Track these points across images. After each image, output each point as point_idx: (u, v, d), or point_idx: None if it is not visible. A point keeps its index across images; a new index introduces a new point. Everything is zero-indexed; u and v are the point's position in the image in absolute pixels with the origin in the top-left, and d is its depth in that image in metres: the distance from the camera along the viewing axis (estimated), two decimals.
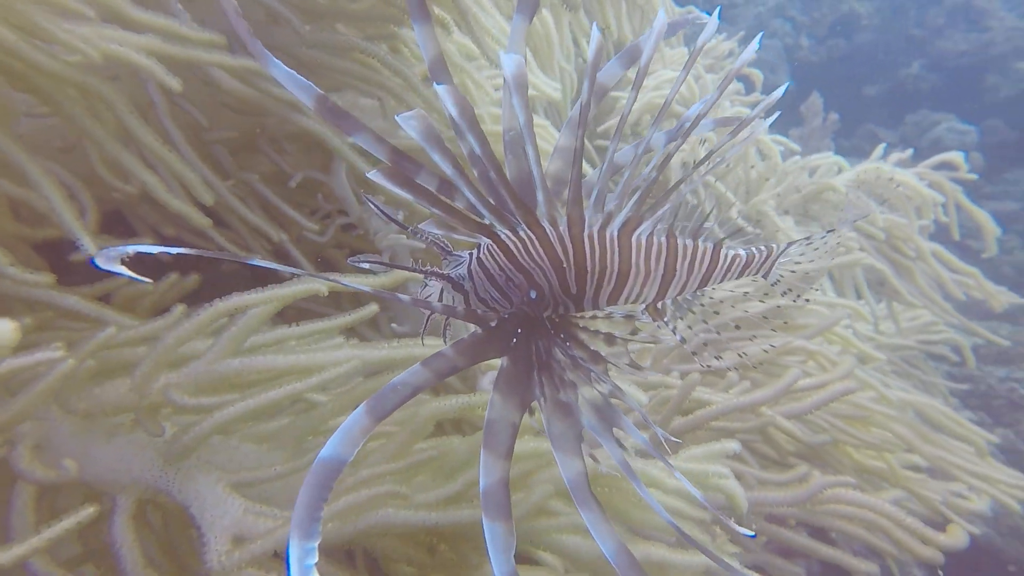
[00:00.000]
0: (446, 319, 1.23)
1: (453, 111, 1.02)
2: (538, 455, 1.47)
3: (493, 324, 1.17)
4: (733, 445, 1.37)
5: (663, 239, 1.25)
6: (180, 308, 1.67)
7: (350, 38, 2.07)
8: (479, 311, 1.22)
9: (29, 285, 1.46)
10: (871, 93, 12.95)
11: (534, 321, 1.20)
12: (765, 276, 1.40)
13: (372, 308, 1.77)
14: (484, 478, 0.95)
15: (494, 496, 0.94)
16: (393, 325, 2.38)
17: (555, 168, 1.33)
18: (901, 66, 13.01)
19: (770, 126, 1.31)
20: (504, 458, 0.98)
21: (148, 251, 0.86)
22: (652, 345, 1.37)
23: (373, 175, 1.04)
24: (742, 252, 1.34)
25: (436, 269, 1.21)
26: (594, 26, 1.05)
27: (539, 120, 3.00)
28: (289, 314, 2.51)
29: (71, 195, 1.68)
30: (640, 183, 1.20)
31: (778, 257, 1.38)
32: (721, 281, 1.34)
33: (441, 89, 1.05)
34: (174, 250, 0.88)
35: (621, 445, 1.08)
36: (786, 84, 1.31)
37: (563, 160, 1.34)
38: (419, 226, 1.22)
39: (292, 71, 0.96)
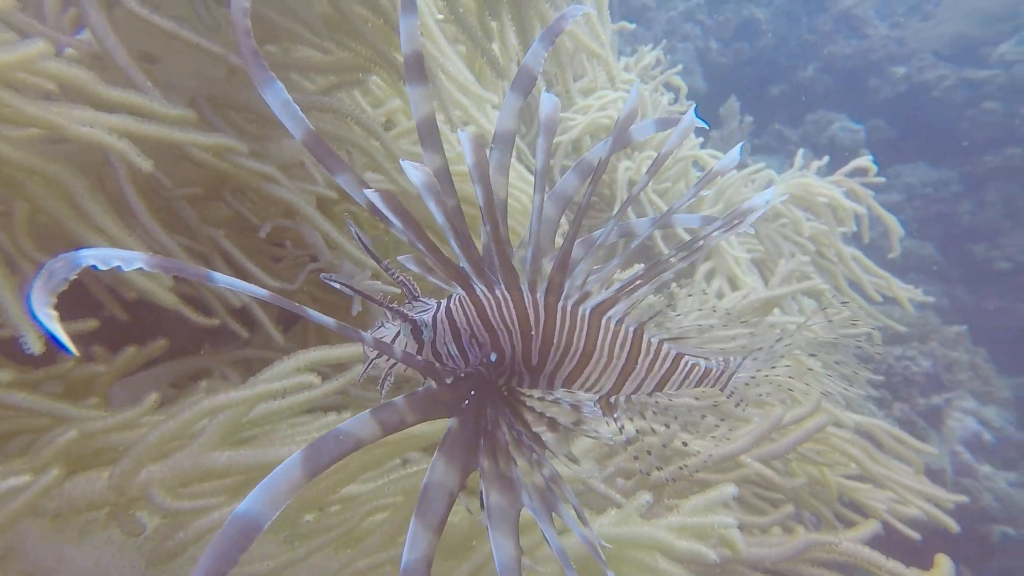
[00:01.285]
0: (388, 368, 1.14)
1: (470, 160, 0.99)
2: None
3: (448, 381, 1.09)
4: (731, 489, 1.39)
5: (631, 329, 1.20)
6: (154, 396, 1.54)
7: (319, 98, 1.94)
8: (436, 365, 1.14)
9: None
10: (775, 93, 13.63)
11: (488, 386, 1.14)
12: (722, 389, 1.34)
13: (358, 370, 1.69)
14: (409, 552, 0.84)
15: (416, 573, 0.83)
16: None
17: (547, 214, 1.22)
18: (799, 69, 13.76)
19: (695, 131, 1.27)
20: (434, 531, 0.88)
21: (97, 265, 0.70)
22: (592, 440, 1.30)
23: (370, 193, 0.98)
24: (702, 363, 1.29)
25: (400, 308, 1.13)
26: (634, 88, 1.05)
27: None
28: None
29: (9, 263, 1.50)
30: (621, 274, 1.16)
31: (735, 372, 1.32)
32: (677, 388, 1.28)
33: (464, 136, 1.04)
34: (134, 261, 0.72)
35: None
36: (693, 109, 1.21)
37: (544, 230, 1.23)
38: (397, 258, 1.16)
39: (290, 99, 0.90)
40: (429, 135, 1.03)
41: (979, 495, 6.42)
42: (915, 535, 2.13)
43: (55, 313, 0.68)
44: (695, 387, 1.29)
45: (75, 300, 1.68)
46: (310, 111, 1.97)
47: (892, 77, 13.35)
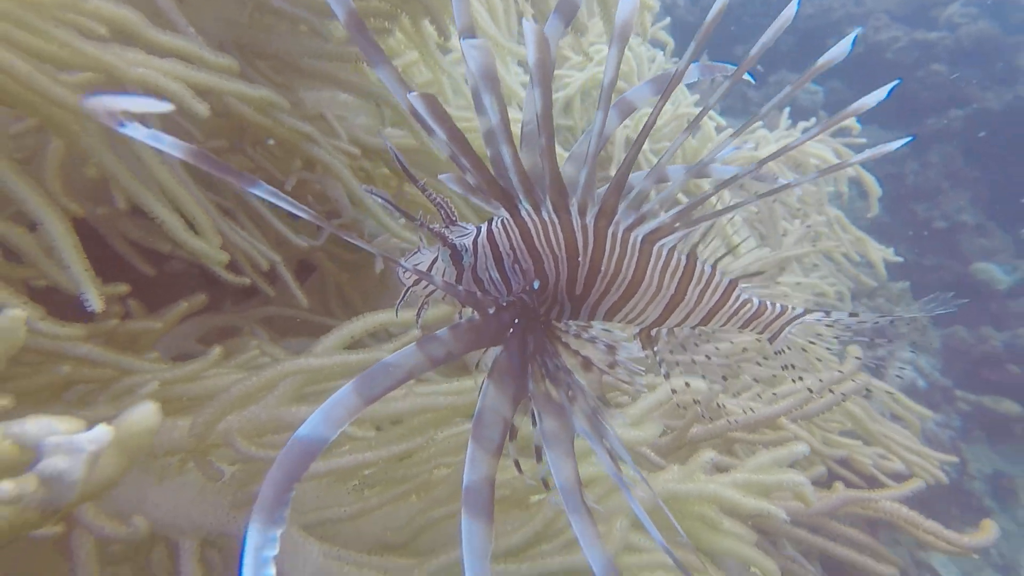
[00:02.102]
0: (426, 295, 1.09)
1: (532, 58, 0.87)
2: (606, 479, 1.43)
3: (491, 311, 1.04)
4: (803, 448, 1.42)
5: (683, 257, 1.12)
6: (217, 351, 1.51)
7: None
8: (477, 295, 1.07)
9: (61, 339, 1.22)
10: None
11: (531, 315, 1.07)
12: (771, 339, 1.24)
13: (415, 333, 1.67)
14: (469, 473, 0.83)
15: (478, 493, 0.82)
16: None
17: (568, 171, 1.15)
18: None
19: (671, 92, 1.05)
20: (493, 454, 0.87)
21: (160, 145, 0.68)
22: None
23: (413, 97, 0.88)
24: (755, 300, 1.20)
25: (440, 229, 1.05)
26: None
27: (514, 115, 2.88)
28: (288, 326, 2.32)
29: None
30: (682, 196, 1.09)
31: (792, 320, 1.22)
32: (724, 324, 1.19)
33: (528, 28, 0.88)
34: (178, 148, 0.69)
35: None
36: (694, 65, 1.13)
37: (576, 165, 1.16)
38: (438, 176, 1.07)
39: None
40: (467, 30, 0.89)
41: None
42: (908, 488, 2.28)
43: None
44: (742, 327, 1.20)
45: (102, 257, 1.59)
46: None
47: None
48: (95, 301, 1.19)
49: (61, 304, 1.50)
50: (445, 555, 1.23)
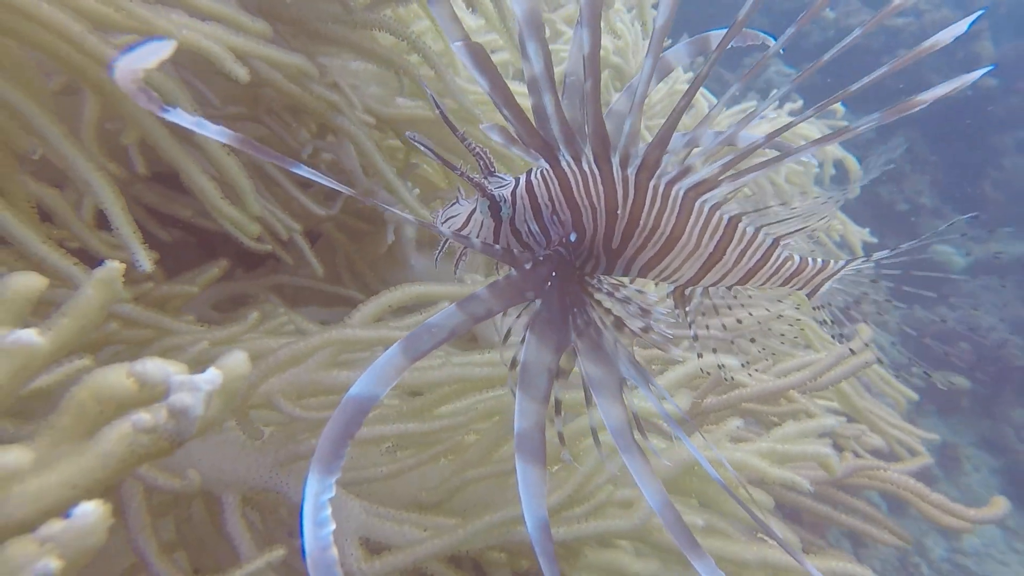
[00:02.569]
0: (462, 249, 1.10)
1: (586, 10, 0.86)
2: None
3: (528, 266, 1.04)
4: (832, 421, 1.48)
5: (727, 216, 1.10)
6: (255, 315, 1.52)
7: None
8: (513, 247, 1.08)
9: None
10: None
11: (568, 268, 1.07)
12: (810, 295, 1.23)
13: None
14: (520, 421, 0.86)
15: (530, 439, 0.85)
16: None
17: (608, 127, 1.09)
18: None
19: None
20: (541, 402, 0.89)
21: (203, 131, 0.68)
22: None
23: (457, 47, 0.88)
24: (796, 256, 1.19)
25: (480, 180, 1.05)
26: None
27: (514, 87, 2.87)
28: (298, 294, 2.31)
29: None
30: (732, 150, 1.05)
31: (834, 274, 1.21)
32: (764, 284, 1.18)
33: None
34: (224, 134, 0.70)
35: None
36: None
37: (614, 124, 1.11)
38: (481, 126, 1.05)
39: None
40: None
41: (881, 317, 7.23)
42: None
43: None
44: (782, 285, 1.19)
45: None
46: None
47: (823, 21, 13.66)
48: (145, 261, 1.19)
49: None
50: (488, 515, 1.27)
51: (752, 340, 1.37)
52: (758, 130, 4.05)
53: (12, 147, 1.26)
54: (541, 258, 1.06)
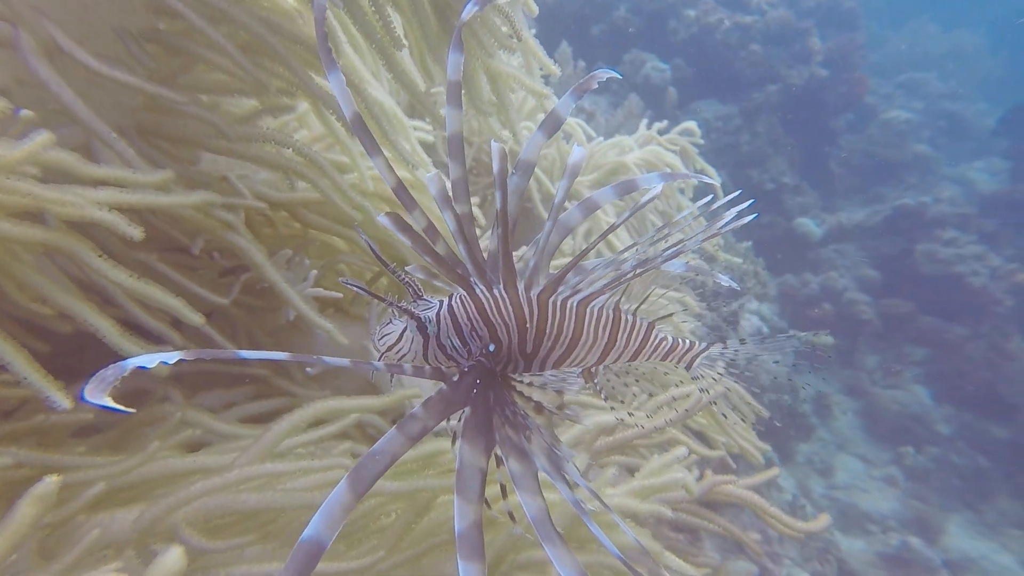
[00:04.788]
0: (394, 367, 1.16)
1: (496, 167, 1.09)
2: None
3: (455, 379, 1.17)
4: (683, 451, 1.71)
5: (611, 311, 1.32)
6: (155, 444, 1.49)
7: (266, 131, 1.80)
8: (436, 361, 1.22)
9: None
10: (595, 33, 14.11)
11: (489, 373, 1.22)
12: (687, 368, 1.45)
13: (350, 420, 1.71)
14: (459, 522, 0.91)
15: (469, 538, 0.90)
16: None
17: (527, 255, 1.31)
18: (613, 8, 14.31)
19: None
20: (476, 503, 0.95)
21: (145, 365, 0.77)
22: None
23: (382, 219, 1.08)
24: (669, 338, 1.42)
25: (407, 306, 1.21)
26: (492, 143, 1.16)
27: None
28: (199, 379, 2.25)
29: None
30: (611, 275, 1.26)
31: (700, 354, 1.44)
32: (648, 358, 1.40)
33: (495, 147, 1.13)
34: (173, 357, 0.79)
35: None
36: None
37: (533, 252, 1.30)
38: (405, 268, 1.23)
39: (346, 89, 0.99)
40: (455, 149, 1.12)
41: (757, 375, 8.03)
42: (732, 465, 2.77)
43: (110, 400, 0.74)
44: (663, 359, 1.42)
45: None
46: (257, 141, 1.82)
47: (686, 19, 14.46)
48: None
49: None
50: None
51: (650, 395, 1.58)
52: (630, 156, 4.30)
53: None
54: (466, 369, 1.21)
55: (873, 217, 13.02)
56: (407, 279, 1.20)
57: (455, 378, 1.18)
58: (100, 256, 1.43)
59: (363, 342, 2.46)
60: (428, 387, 2.38)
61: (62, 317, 1.71)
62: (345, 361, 1.01)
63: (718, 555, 3.82)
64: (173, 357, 0.77)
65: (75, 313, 1.38)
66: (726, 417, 1.56)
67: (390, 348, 1.21)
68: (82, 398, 0.72)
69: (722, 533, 2.12)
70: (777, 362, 1.50)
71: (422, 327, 1.20)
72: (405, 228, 1.10)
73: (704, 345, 1.49)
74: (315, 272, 2.20)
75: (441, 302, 1.23)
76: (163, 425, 1.86)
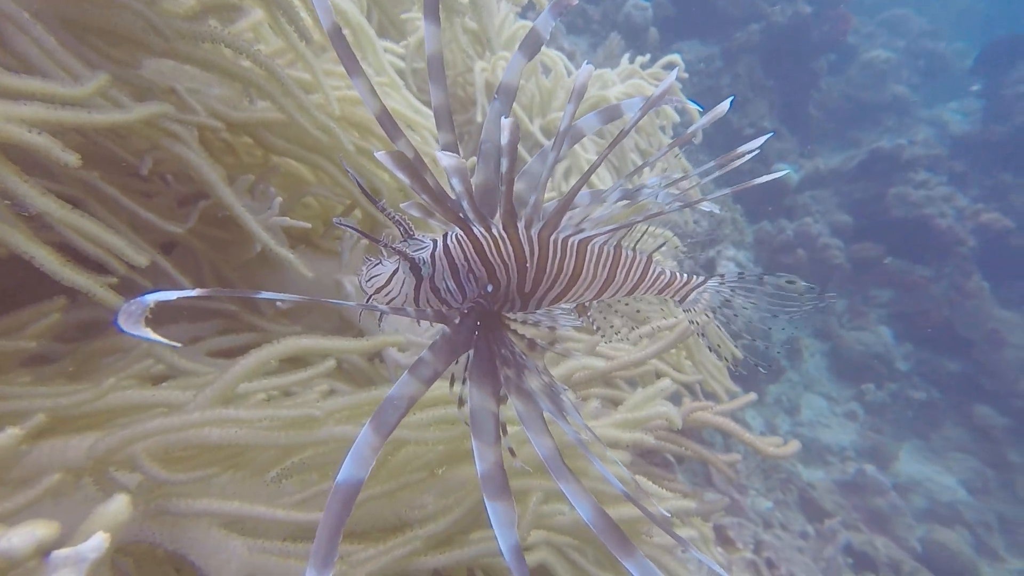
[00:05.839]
0: (378, 292, 1.16)
1: (504, 140, 1.01)
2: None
3: (457, 321, 1.16)
4: (667, 382, 1.69)
5: (611, 248, 1.29)
6: (111, 381, 1.39)
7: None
8: (427, 304, 1.19)
9: None
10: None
11: (488, 314, 1.20)
12: (680, 301, 1.44)
13: (331, 364, 1.63)
14: (481, 464, 0.93)
15: (492, 479, 0.92)
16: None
17: (519, 188, 1.29)
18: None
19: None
20: (494, 444, 0.96)
21: (167, 298, 0.79)
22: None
23: (380, 156, 0.98)
24: (667, 272, 1.39)
25: (400, 247, 1.15)
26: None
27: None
28: (161, 312, 2.13)
29: None
30: (615, 217, 1.23)
31: (695, 288, 1.43)
32: (645, 293, 1.38)
33: (504, 120, 1.05)
34: (193, 292, 0.83)
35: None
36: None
37: (527, 183, 1.31)
38: (401, 205, 1.16)
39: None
40: (436, 71, 1.08)
41: (733, 319, 8.17)
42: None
43: (149, 331, 0.78)
44: (659, 293, 1.40)
45: None
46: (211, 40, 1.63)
47: None
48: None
49: None
50: (374, 546, 1.31)
51: (635, 326, 1.53)
52: (612, 91, 4.13)
53: None
54: (465, 311, 1.19)
55: (849, 162, 13.02)
56: (397, 216, 1.14)
57: (456, 320, 1.16)
58: (26, 181, 1.28)
59: (335, 276, 2.35)
60: (404, 325, 2.29)
61: None
62: (351, 304, 1.04)
63: (688, 486, 3.92)
64: (193, 293, 0.80)
65: (7, 241, 1.24)
66: (712, 350, 1.51)
67: (378, 290, 1.16)
68: (116, 325, 0.75)
69: (696, 457, 2.14)
70: (772, 303, 1.45)
71: (416, 268, 1.14)
72: (404, 165, 1.01)
73: (701, 279, 1.45)
74: (280, 199, 2.06)
75: (434, 241, 1.17)
76: (124, 356, 1.75)
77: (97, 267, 1.58)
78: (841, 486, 8.06)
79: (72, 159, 1.20)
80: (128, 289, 2.10)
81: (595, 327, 1.45)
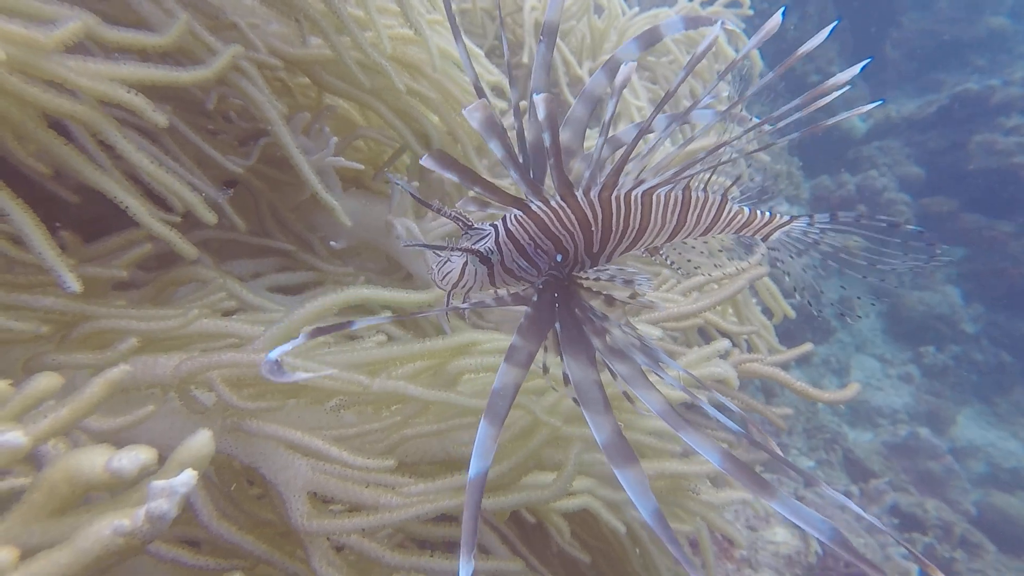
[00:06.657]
0: (455, 287, 1.22)
1: (543, 112, 1.02)
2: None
3: (535, 299, 1.17)
4: (726, 343, 1.67)
5: (679, 193, 1.28)
6: (195, 312, 1.49)
7: None
8: (505, 285, 1.22)
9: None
10: None
11: (562, 283, 1.22)
12: (764, 239, 1.39)
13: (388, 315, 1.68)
14: (599, 435, 0.95)
15: (616, 447, 0.93)
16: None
17: (565, 138, 1.27)
18: None
19: None
20: (605, 412, 0.98)
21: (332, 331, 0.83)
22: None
23: (425, 161, 1.02)
24: (746, 210, 1.34)
25: (467, 246, 1.19)
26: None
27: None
28: (224, 247, 2.23)
29: None
30: (676, 162, 1.22)
31: (781, 227, 1.37)
32: (722, 232, 1.35)
33: (537, 96, 1.05)
34: (366, 322, 0.90)
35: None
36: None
37: (573, 130, 1.29)
38: (456, 204, 1.23)
39: None
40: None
41: (782, 278, 7.92)
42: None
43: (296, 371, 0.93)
44: (737, 232, 1.37)
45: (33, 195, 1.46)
46: None
47: None
48: (73, 283, 1.15)
49: None
50: (432, 480, 1.38)
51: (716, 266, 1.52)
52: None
53: None
54: (540, 286, 1.21)
55: (926, 108, 12.02)
56: (453, 212, 1.17)
57: (534, 298, 1.17)
58: (125, 137, 1.36)
59: (386, 217, 2.39)
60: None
61: (75, 190, 1.67)
62: (434, 311, 1.17)
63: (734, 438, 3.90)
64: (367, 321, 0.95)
65: (104, 188, 1.32)
66: (792, 293, 1.45)
67: (455, 285, 1.20)
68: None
69: (745, 408, 2.12)
70: (867, 251, 1.40)
71: (484, 258, 1.18)
72: (451, 164, 1.03)
73: (787, 218, 1.39)
74: (335, 139, 2.09)
75: (495, 227, 1.19)
76: (199, 288, 1.86)
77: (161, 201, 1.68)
78: (891, 448, 7.87)
79: (162, 119, 1.28)
80: (192, 224, 2.21)
81: (671, 265, 1.43)
